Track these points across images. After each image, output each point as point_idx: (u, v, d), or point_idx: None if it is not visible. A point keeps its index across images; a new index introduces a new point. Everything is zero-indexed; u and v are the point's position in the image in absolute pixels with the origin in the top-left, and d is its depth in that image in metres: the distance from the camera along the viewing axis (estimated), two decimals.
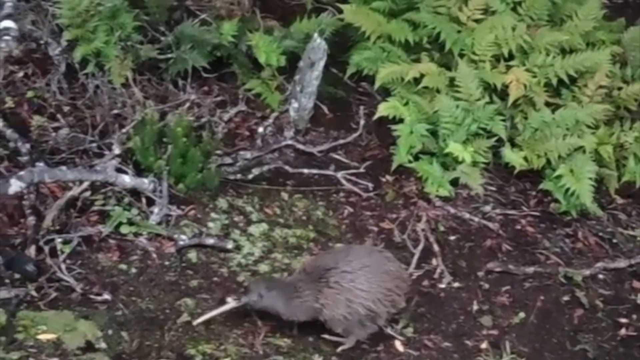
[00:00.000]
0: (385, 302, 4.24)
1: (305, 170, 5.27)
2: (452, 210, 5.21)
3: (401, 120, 5.32)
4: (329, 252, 4.62)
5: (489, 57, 5.46)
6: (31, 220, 4.47)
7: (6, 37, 4.48)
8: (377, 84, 5.44)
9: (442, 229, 5.11)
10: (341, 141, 5.54)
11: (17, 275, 4.26)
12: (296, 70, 5.48)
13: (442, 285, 4.80)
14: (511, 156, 5.33)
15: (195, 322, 4.19)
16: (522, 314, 4.70)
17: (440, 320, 4.62)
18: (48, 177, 4.32)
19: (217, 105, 5.49)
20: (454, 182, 5.30)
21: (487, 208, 5.28)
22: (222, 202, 4.93)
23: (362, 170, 5.34)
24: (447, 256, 4.96)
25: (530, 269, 4.94)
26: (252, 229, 4.84)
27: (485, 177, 5.38)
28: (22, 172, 4.23)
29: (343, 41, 5.89)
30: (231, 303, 4.23)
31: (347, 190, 5.23)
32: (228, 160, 5.16)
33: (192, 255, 4.62)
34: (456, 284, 4.82)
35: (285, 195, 5.11)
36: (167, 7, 5.58)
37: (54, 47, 5.28)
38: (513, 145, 5.41)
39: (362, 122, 5.62)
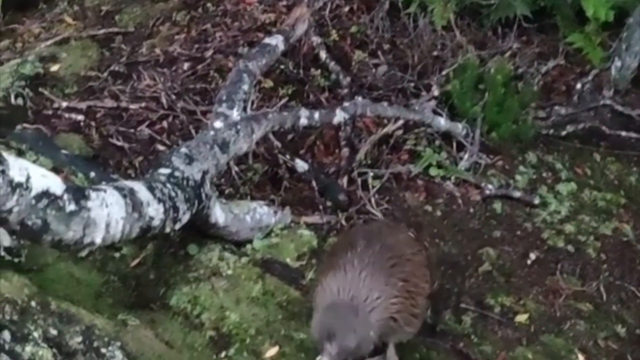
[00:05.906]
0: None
1: (623, 133, 4.99)
2: None
3: None
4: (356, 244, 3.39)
5: None
6: (345, 151, 4.58)
7: None
8: None
9: None
10: None
11: (329, 203, 4.38)
12: (623, 27, 5.19)
13: None
14: None
15: None
16: None
17: None
18: (369, 111, 4.39)
19: (536, 57, 5.33)
20: None
21: None
22: (531, 156, 4.80)
23: None
24: None
25: None
26: (560, 187, 4.67)
27: None
28: (346, 104, 4.33)
29: None
30: None
31: None
32: (542, 114, 5.01)
33: (497, 205, 4.53)
34: None
35: (597, 157, 4.89)
36: None
37: None
38: None
39: None
